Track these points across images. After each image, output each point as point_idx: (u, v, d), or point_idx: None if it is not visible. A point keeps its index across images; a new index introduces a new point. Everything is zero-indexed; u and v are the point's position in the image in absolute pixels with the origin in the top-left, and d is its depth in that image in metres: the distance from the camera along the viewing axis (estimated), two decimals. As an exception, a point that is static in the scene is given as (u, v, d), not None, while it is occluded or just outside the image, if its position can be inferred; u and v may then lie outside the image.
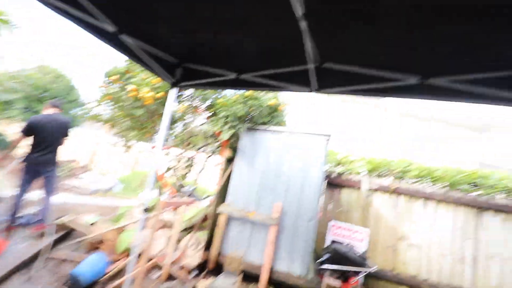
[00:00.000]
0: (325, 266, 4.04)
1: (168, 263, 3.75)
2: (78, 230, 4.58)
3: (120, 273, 3.49)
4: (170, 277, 3.76)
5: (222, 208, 4.27)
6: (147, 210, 3.14)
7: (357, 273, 4.11)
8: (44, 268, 3.35)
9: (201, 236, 4.39)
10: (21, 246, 3.61)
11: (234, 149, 4.70)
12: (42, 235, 4.10)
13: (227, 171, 4.59)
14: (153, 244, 4.28)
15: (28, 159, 4.07)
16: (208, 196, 5.94)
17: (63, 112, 4.82)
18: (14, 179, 4.06)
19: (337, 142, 8.42)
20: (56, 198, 4.64)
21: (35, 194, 4.56)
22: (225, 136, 4.55)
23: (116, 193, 9.22)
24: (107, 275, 3.36)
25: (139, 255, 3.14)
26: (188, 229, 4.77)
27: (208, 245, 4.27)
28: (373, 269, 3.73)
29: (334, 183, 5.47)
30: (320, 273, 4.58)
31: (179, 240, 4.54)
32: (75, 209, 5.61)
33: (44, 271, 3.28)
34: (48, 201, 4.30)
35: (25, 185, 4.07)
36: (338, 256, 4.00)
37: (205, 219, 5.01)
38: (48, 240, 3.91)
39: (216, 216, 4.39)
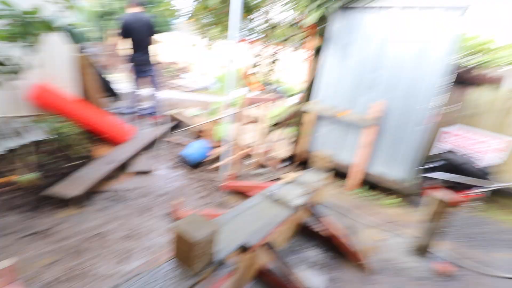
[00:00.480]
0: (433, 174, 3.51)
1: (258, 152, 4.00)
2: (184, 121, 5.32)
3: (218, 158, 3.98)
4: (261, 166, 4.09)
5: (310, 106, 3.95)
6: (231, 105, 3.14)
7: (472, 186, 3.44)
8: (163, 149, 4.11)
9: (290, 132, 4.37)
10: (145, 132, 4.44)
11: (323, 38, 3.87)
12: (158, 123, 4.95)
13: (315, 65, 3.97)
14: (244, 136, 4.58)
15: (130, 59, 4.53)
16: (294, 94, 5.64)
17: (148, 12, 4.79)
18: (129, 77, 4.69)
19: (475, 20, 5.95)
20: (164, 94, 5.30)
21: (147, 90, 5.27)
22: (311, 19, 3.69)
23: (214, 90, 10.05)
24: (209, 158, 3.90)
25: (233, 144, 3.39)
26: (276, 125, 4.83)
27: (296, 141, 4.27)
28: (501, 185, 2.99)
29: (462, 79, 4.13)
30: (424, 181, 4.10)
31: (268, 134, 4.70)
32: (181, 103, 6.41)
33: (163, 151, 4.04)
34: (157, 96, 4.93)
35: (135, 82, 4.70)
36: (452, 166, 3.34)
37: (293, 116, 4.89)
38: (165, 127, 4.69)
39: (303, 114, 4.16)
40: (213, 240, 1.28)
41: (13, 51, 2.10)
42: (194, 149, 3.70)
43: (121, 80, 7.16)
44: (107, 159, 3.20)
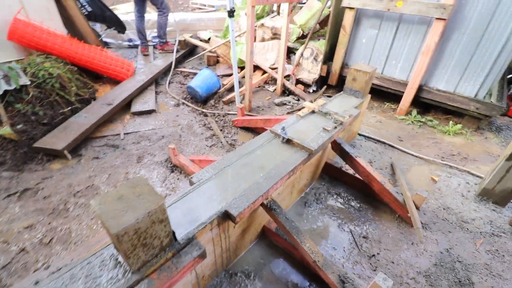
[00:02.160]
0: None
1: (281, 76, 3.25)
2: (198, 46, 4.59)
3: (233, 87, 3.36)
4: (285, 92, 3.39)
5: (349, 0, 2.83)
6: (231, 13, 2.31)
7: None
8: (171, 82, 3.62)
9: (320, 46, 3.40)
10: (152, 64, 3.92)
11: None
12: (168, 52, 4.34)
13: None
14: (265, 57, 3.76)
15: None
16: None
17: None
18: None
19: None
20: (175, 17, 4.49)
21: (155, 16, 4.49)
22: None
23: (238, 8, 8.60)
24: (223, 88, 3.32)
25: (250, 69, 2.69)
26: (302, 38, 3.81)
27: (328, 57, 3.33)
28: None
29: None
30: (509, 93, 3.00)
31: (293, 52, 3.78)
32: (196, 26, 5.53)
33: (173, 85, 3.56)
34: (166, 21, 4.17)
35: (139, 9, 3.96)
36: None
37: (323, 23, 3.76)
38: (175, 56, 4.09)
39: (339, 14, 3.07)
40: (159, 220, 0.84)
41: None
42: (203, 79, 3.12)
43: (129, 10, 6.38)
44: (106, 99, 2.86)
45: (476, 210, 1.72)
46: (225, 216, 1.12)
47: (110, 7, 4.66)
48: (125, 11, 6.07)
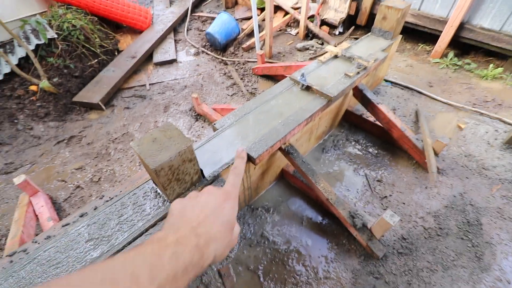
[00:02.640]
0: None
1: (304, 17, 3.03)
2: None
3: (253, 32, 3.21)
4: (309, 35, 3.18)
5: None
6: None
7: None
8: (190, 29, 3.52)
9: (350, -23, 3.01)
10: (170, 10, 3.78)
11: None
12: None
13: None
14: (287, -4, 3.45)
15: None
16: None
17: None
18: None
19: None
20: None
21: None
22: None
23: None
24: (242, 34, 3.19)
25: (271, 10, 2.53)
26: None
27: (358, -9, 2.98)
28: None
29: None
30: None
31: (319, -12, 3.41)
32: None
33: (191, 32, 3.47)
34: None
35: None
36: None
37: None
38: (191, 1, 3.89)
39: None
40: (188, 159, 0.96)
41: None
42: (221, 24, 3.00)
43: None
44: (130, 52, 2.91)
45: (500, 158, 1.69)
46: (246, 159, 1.23)
47: None
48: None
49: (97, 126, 2.15)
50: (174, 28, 3.50)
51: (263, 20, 3.21)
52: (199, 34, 3.40)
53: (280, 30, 3.36)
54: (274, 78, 2.55)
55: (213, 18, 3.58)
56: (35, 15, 2.67)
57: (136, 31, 3.34)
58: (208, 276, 1.30)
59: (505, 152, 1.73)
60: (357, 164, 1.76)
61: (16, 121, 2.11)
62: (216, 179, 1.12)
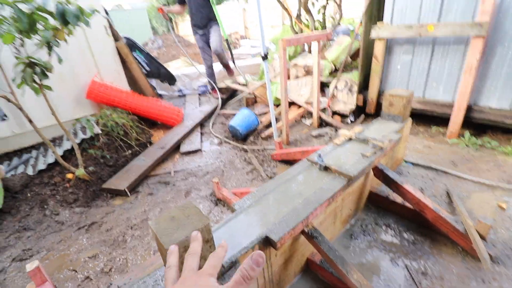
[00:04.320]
0: None
1: (316, 109, 3.34)
2: (238, 89, 5.02)
3: (271, 123, 3.53)
4: (322, 124, 3.43)
5: (377, 32, 2.92)
6: (265, 57, 2.55)
7: None
8: (215, 124, 3.95)
9: (353, 77, 3.46)
10: (199, 109, 4.37)
11: None
12: (213, 97, 4.83)
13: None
14: (300, 92, 3.93)
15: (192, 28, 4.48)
16: (353, 30, 4.44)
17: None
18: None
19: None
20: (221, 66, 5.08)
21: (206, 66, 5.16)
22: None
23: (271, 52, 9.33)
24: (261, 125, 3.50)
25: (286, 104, 2.86)
26: (335, 72, 3.94)
27: (363, 87, 3.36)
28: None
29: None
30: None
31: (326, 86, 3.90)
32: (237, 72, 6.11)
33: (215, 126, 3.88)
34: (212, 70, 4.81)
35: (205, 56, 4.67)
36: None
37: (355, 55, 3.86)
38: (219, 100, 4.53)
39: (370, 45, 3.16)
40: (205, 240, 0.91)
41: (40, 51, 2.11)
42: (242, 118, 3.36)
43: (180, 65, 7.39)
44: (160, 144, 3.24)
45: None
46: (266, 242, 1.14)
47: (164, 64, 5.48)
48: (175, 67, 7.04)
49: (119, 212, 2.18)
50: (201, 123, 3.95)
51: (280, 113, 3.58)
52: (223, 127, 3.78)
53: (296, 121, 3.67)
54: (292, 163, 2.62)
55: (234, 114, 4.04)
56: (87, 116, 3.17)
57: (169, 126, 3.79)
58: None
59: None
60: (393, 252, 1.55)
61: (45, 206, 2.21)
62: (234, 266, 1.01)
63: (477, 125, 2.70)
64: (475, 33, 2.30)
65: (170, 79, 5.13)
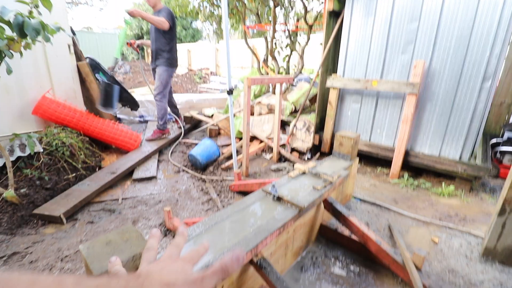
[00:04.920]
0: (507, 148, 2.64)
1: (276, 145, 3.49)
2: (201, 120, 5.05)
3: (231, 155, 3.56)
4: (281, 159, 3.56)
5: (332, 82, 3.29)
6: (230, 92, 2.69)
7: None
8: (174, 152, 3.86)
9: (311, 118, 3.76)
10: (158, 136, 4.26)
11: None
12: (175, 126, 4.77)
13: (333, 31, 3.30)
14: (261, 128, 4.10)
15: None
16: (314, 76, 4.97)
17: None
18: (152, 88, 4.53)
19: None
20: (184, 98, 5.10)
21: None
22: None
23: (238, 89, 9.78)
24: (222, 156, 3.51)
25: (247, 139, 2.94)
26: (294, 112, 4.25)
27: (319, 128, 3.65)
28: None
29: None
30: (495, 157, 3.15)
31: (287, 124, 4.15)
32: (201, 104, 6.20)
33: (175, 154, 3.78)
34: (174, 100, 4.68)
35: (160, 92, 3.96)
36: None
37: (313, 100, 4.25)
38: (181, 129, 4.47)
39: (325, 92, 3.52)
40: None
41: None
42: (204, 148, 3.35)
43: (146, 92, 7.30)
44: (111, 168, 3.02)
45: (483, 272, 1.61)
46: (212, 271, 1.09)
47: (129, 89, 5.35)
48: (141, 93, 6.92)
49: (50, 241, 1.91)
50: (160, 150, 3.82)
51: (241, 146, 3.65)
52: (182, 155, 3.70)
53: (257, 154, 3.77)
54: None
55: (196, 144, 4.01)
56: (30, 132, 2.88)
57: (123, 151, 3.59)
58: None
59: (485, 265, 1.67)
60: (340, 284, 1.58)
61: (-46, 234, 1.85)
62: (174, 296, 0.94)
63: (414, 168, 3.05)
64: (409, 91, 2.72)
65: (132, 104, 4.98)
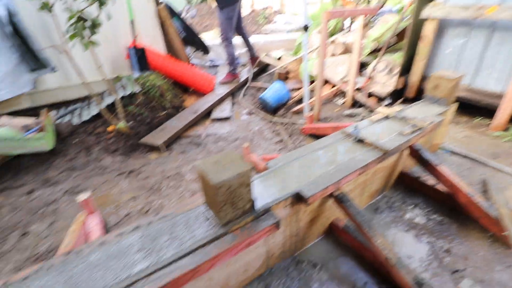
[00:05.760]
0: None
1: (351, 89, 3.25)
2: (270, 63, 4.96)
3: (302, 99, 3.50)
4: (356, 104, 3.34)
5: (430, 11, 2.71)
6: (305, 28, 2.48)
7: None
8: (246, 95, 3.98)
9: (396, 59, 3.29)
10: (230, 80, 4.41)
11: None
12: (246, 70, 4.82)
13: None
14: (336, 70, 3.82)
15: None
16: (402, 8, 4.11)
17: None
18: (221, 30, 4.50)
19: None
20: (253, 40, 4.97)
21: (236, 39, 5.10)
22: None
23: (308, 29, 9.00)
24: (291, 100, 3.49)
25: (320, 81, 2.82)
26: (375, 52, 3.75)
27: (405, 69, 3.18)
28: None
29: None
30: None
31: (364, 66, 3.74)
32: (267, 47, 6.01)
33: (246, 97, 3.92)
34: (245, 43, 4.58)
35: (226, 34, 3.92)
36: None
37: (400, 35, 3.63)
38: (250, 72, 4.52)
39: (418, 26, 2.95)
40: (245, 184, 0.99)
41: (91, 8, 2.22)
42: (274, 91, 3.36)
43: (213, 36, 7.36)
44: (193, 108, 3.35)
45: None
46: (298, 198, 1.20)
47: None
48: (208, 38, 7.04)
49: (155, 164, 2.35)
50: (232, 93, 4.00)
51: (312, 90, 3.52)
52: (253, 99, 3.81)
53: (328, 99, 3.61)
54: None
55: (265, 88, 4.03)
56: (120, 77, 3.32)
57: (200, 94, 3.88)
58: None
59: None
60: (418, 229, 1.56)
61: (90, 152, 2.43)
62: (267, 213, 1.09)
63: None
64: (545, 16, 2.07)
65: (204, 48, 5.16)
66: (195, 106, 3.42)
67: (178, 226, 1.03)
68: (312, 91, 3.52)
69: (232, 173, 0.93)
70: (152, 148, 2.58)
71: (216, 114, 3.33)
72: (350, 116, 3.10)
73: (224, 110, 3.43)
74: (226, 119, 3.25)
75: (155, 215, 1.11)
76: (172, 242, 0.96)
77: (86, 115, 2.92)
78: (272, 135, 2.80)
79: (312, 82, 3.82)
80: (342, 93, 3.63)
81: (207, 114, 3.39)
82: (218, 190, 0.91)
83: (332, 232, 1.58)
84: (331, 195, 1.34)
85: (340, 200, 1.32)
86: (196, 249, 0.93)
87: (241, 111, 3.48)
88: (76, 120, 2.87)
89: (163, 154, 2.52)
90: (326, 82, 3.80)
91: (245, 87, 4.17)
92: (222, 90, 3.89)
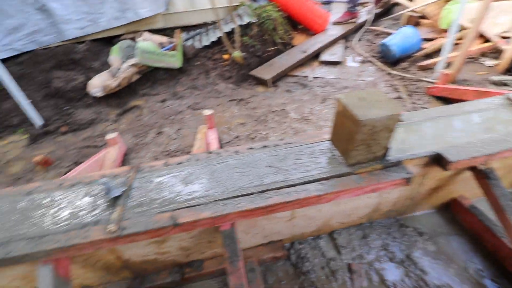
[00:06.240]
0: None
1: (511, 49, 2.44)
2: (400, 4, 4.10)
3: (437, 52, 2.86)
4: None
5: None
6: None
7: None
8: (363, 39, 3.51)
9: None
10: (347, 20, 3.90)
11: None
12: (367, 11, 4.15)
13: None
14: (493, 21, 2.89)
15: None
16: None
17: None
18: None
19: None
20: None
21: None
22: None
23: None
24: (422, 51, 2.90)
25: (468, 34, 2.20)
26: None
27: None
28: None
29: None
30: None
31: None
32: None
33: (361, 42, 3.45)
34: None
35: None
36: None
37: None
38: (368, 15, 3.88)
39: None
40: (390, 128, 0.90)
41: None
42: (403, 37, 2.82)
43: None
44: (302, 47, 3.18)
45: None
46: (436, 160, 1.05)
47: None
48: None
49: (262, 97, 2.44)
50: (346, 37, 3.58)
51: (455, 43, 2.80)
52: (369, 45, 3.34)
53: (471, 58, 2.85)
54: (451, 103, 2.16)
55: (388, 33, 3.43)
56: (243, 4, 3.31)
57: (309, 33, 3.61)
58: (336, 265, 1.20)
59: None
60: None
61: (208, 76, 2.68)
62: (399, 165, 1.00)
63: None
64: None
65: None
66: (304, 45, 3.23)
67: (303, 155, 1.06)
68: (455, 44, 2.81)
69: (382, 113, 0.85)
70: (260, 82, 2.65)
71: (325, 56, 3.09)
72: (500, 83, 2.40)
73: (335, 53, 3.14)
74: (336, 63, 2.99)
75: (280, 140, 1.16)
76: (298, 167, 1.00)
77: (206, 40, 3.13)
78: (388, 89, 2.47)
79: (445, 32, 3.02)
80: (495, 52, 2.78)
81: (315, 55, 3.19)
82: (361, 128, 0.86)
83: (450, 208, 1.39)
84: (473, 168, 1.13)
85: (486, 175, 1.10)
86: (322, 179, 0.95)
87: (354, 57, 3.12)
88: (197, 45, 3.14)
89: (269, 89, 2.57)
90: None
91: (362, 31, 3.65)
92: (335, 31, 3.51)
